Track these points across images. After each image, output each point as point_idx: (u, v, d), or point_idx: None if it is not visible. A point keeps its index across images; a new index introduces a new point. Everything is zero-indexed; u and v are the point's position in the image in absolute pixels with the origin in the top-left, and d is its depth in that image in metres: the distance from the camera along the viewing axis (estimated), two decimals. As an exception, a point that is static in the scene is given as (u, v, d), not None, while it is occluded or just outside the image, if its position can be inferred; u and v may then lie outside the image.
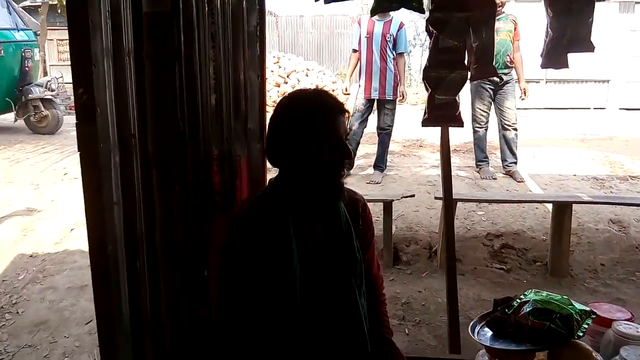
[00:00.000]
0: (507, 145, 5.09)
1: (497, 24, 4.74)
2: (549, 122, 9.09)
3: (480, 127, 5.11)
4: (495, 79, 4.83)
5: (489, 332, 1.41)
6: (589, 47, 1.33)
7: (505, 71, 4.84)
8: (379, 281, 1.54)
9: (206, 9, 1.52)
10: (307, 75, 10.86)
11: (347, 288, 1.33)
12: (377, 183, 4.93)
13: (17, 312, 3.15)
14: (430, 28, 1.38)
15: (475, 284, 3.24)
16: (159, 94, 1.55)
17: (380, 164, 5.14)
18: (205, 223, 1.65)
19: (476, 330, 1.44)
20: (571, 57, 1.43)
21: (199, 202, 1.64)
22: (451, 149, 6.57)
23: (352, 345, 1.34)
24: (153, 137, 1.57)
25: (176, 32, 1.52)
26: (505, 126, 5.03)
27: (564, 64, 1.40)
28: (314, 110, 1.26)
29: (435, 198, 3.58)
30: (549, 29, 1.37)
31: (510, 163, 5.11)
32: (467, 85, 5.20)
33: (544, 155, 6.31)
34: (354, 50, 5.19)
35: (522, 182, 4.92)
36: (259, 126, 1.62)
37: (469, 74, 1.47)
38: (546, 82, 11.24)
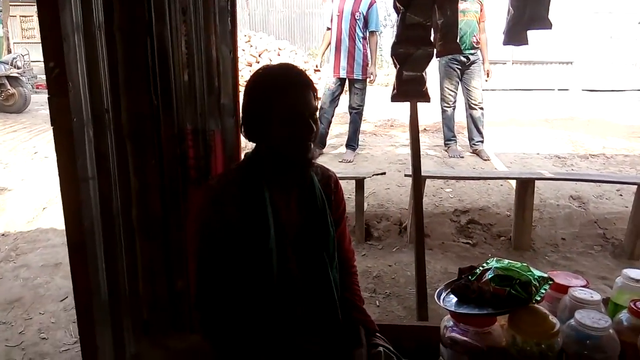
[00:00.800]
0: (474, 124, 5.22)
1: (464, 5, 4.82)
2: (514, 102, 9.31)
3: (449, 107, 5.21)
4: (462, 58, 4.94)
5: (453, 299, 1.48)
6: (547, 24, 1.39)
7: (472, 52, 4.95)
8: (350, 254, 1.59)
9: (177, -18, 1.52)
10: (279, 55, 10.81)
11: (319, 260, 1.38)
12: (349, 162, 4.99)
13: (-10, 291, 3.11)
14: (397, 4, 1.43)
15: (442, 258, 3.36)
16: (130, 68, 1.55)
17: (352, 143, 5.20)
18: (180, 197, 1.67)
19: (442, 297, 1.51)
20: (536, 38, 1.49)
21: (174, 176, 1.66)
22: (421, 129, 6.68)
23: (324, 313, 1.39)
24: (126, 111, 1.57)
25: (146, 5, 1.52)
26: (472, 105, 5.15)
27: (524, 41, 1.46)
28: (278, 84, 1.28)
29: (405, 175, 3.67)
30: (510, 7, 1.43)
31: (477, 142, 5.24)
32: (436, 65, 5.33)
33: (510, 135, 6.49)
34: (327, 29, 5.18)
35: (488, 160, 5.06)
36: (232, 101, 1.64)
37: (435, 50, 1.52)
38: (512, 63, 11.48)
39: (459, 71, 5.07)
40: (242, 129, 1.36)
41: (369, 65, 5.03)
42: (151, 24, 1.54)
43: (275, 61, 10.69)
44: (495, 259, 1.53)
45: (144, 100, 1.59)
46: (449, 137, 5.33)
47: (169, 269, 1.70)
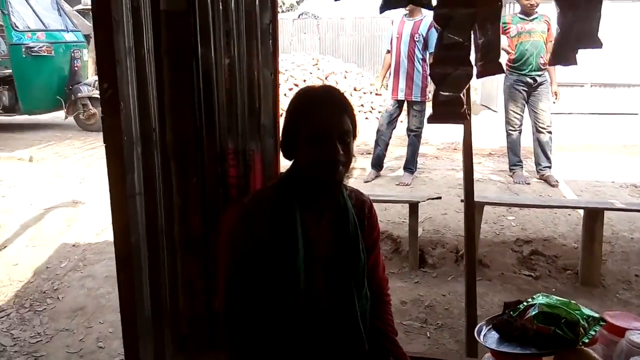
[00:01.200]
0: (541, 149, 4.96)
1: (531, 25, 4.64)
2: (590, 127, 8.77)
3: (514, 130, 5.00)
4: (529, 80, 4.74)
5: (495, 336, 1.40)
6: (597, 43, 1.30)
7: (539, 73, 4.74)
8: (384, 282, 1.54)
9: (220, 7, 1.57)
10: (345, 78, 10.92)
11: (346, 287, 1.34)
12: (406, 185, 4.91)
13: (58, 298, 3.31)
14: (435, 24, 1.39)
15: (501, 290, 3.18)
16: (176, 90, 1.61)
17: (410, 165, 5.11)
18: (221, 216, 1.70)
19: (482, 333, 1.43)
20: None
21: (215, 194, 1.69)
22: (485, 153, 6.53)
23: (350, 341, 1.35)
24: (171, 131, 1.63)
25: (193, 29, 1.58)
26: (540, 129, 4.91)
27: (572, 61, 1.37)
28: (310, 104, 1.29)
29: (462, 201, 3.53)
30: (557, 25, 1.35)
31: (544, 167, 4.98)
32: (501, 88, 5.15)
33: (582, 161, 6.11)
34: (387, 51, 5.18)
35: (556, 187, 4.78)
36: (272, 122, 1.66)
37: (475, 71, 1.46)
38: (591, 86, 10.86)
39: (525, 93, 4.87)
40: (280, 147, 1.37)
41: (428, 86, 4.96)
42: (197, 47, 1.60)
43: (342, 84, 10.82)
44: (542, 294, 1.43)
45: (188, 121, 1.64)
46: (514, 162, 5.11)
47: (208, 288, 1.72)
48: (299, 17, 17.21)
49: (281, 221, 1.30)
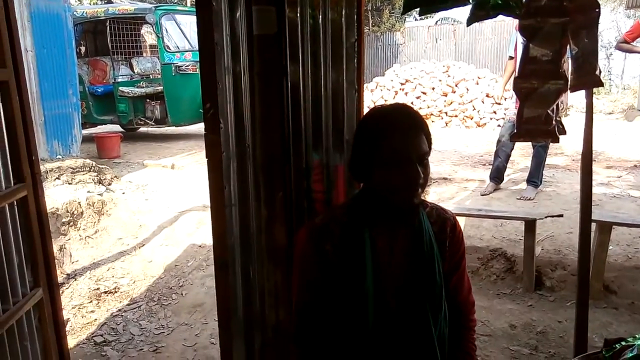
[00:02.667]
0: None
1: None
2: None
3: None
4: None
5: (588, 376, 1.26)
6: None
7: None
8: (469, 306, 1.45)
9: (309, 29, 1.63)
10: (477, 84, 10.50)
11: (421, 311, 1.29)
12: (529, 199, 4.56)
13: (181, 294, 3.66)
14: (522, 35, 1.28)
15: (629, 321, 2.81)
16: (266, 108, 1.71)
17: (533, 179, 4.74)
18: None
19: (574, 372, 1.29)
20: None
21: (300, 208, 1.76)
22: (630, 165, 5.78)
23: None
24: (261, 146, 1.73)
25: (284, 51, 1.66)
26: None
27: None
28: (385, 124, 1.23)
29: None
30: None
31: None
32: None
33: None
34: (510, 57, 4.88)
35: None
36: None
37: (568, 84, 1.31)
38: None
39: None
40: (349, 167, 1.35)
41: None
42: (286, 68, 1.68)
43: (472, 90, 10.40)
44: (648, 333, 1.25)
45: (276, 137, 1.73)
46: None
47: (290, 298, 1.78)
48: (436, 23, 16.95)
49: (350, 243, 1.28)
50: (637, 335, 1.26)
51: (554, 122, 1.39)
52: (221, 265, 1.80)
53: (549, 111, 1.36)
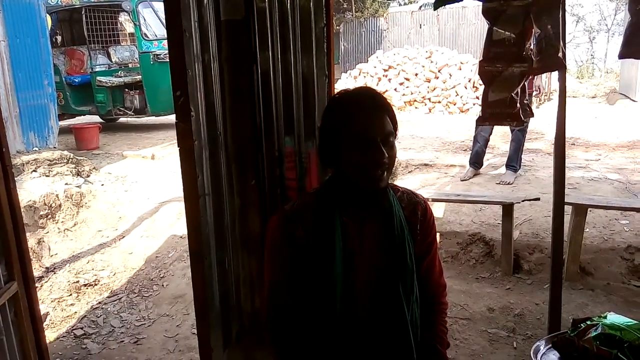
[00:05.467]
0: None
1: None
2: None
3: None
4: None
5: (555, 356, 1.28)
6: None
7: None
8: (440, 289, 1.45)
9: (277, 13, 1.61)
10: (460, 69, 10.54)
11: (393, 295, 1.29)
12: (508, 184, 4.60)
13: (162, 285, 3.64)
14: (485, 18, 1.27)
15: (605, 302, 2.87)
16: (236, 95, 1.69)
17: (512, 163, 4.78)
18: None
19: (540, 352, 1.31)
20: None
21: (273, 195, 1.75)
22: (610, 148, 5.86)
23: (397, 353, 1.30)
24: (232, 134, 1.71)
25: (252, 37, 1.64)
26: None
27: None
28: (349, 107, 1.23)
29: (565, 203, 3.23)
30: (629, 13, 1.16)
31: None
32: None
33: None
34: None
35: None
36: (327, 124, 1.67)
37: (530, 67, 1.31)
38: None
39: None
40: (317, 152, 1.35)
41: (536, 78, 4.58)
42: (256, 54, 1.66)
43: (455, 75, 10.43)
44: (611, 313, 1.28)
45: (247, 125, 1.71)
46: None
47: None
48: (419, 8, 16.90)
49: (320, 229, 1.28)
50: (602, 315, 1.28)
51: (518, 105, 1.39)
52: (196, 256, 1.78)
53: (513, 94, 1.35)
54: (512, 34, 1.25)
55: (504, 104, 1.34)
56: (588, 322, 1.24)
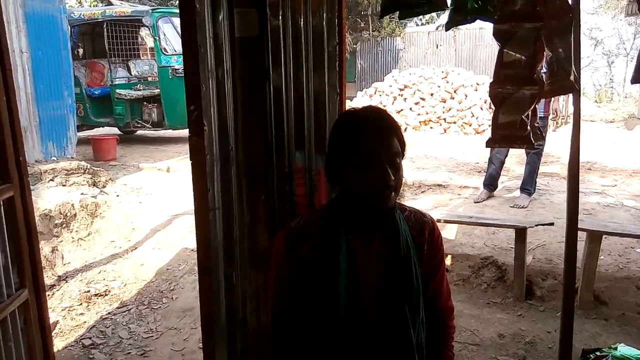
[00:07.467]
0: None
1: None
2: None
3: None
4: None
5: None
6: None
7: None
8: (447, 311, 1.43)
9: (290, 32, 1.63)
10: (476, 90, 10.53)
11: (399, 315, 1.27)
12: (522, 207, 4.54)
13: (172, 298, 3.64)
14: (496, 39, 1.27)
15: (619, 332, 2.79)
16: (249, 111, 1.70)
17: (527, 186, 4.73)
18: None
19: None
20: None
21: (282, 211, 1.75)
22: (627, 174, 5.77)
23: None
24: (243, 150, 1.73)
25: (266, 54, 1.66)
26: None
27: None
28: (356, 127, 1.23)
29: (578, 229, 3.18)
30: None
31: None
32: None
33: None
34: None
35: None
36: (337, 142, 1.67)
37: (542, 90, 1.30)
38: None
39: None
40: (324, 170, 1.35)
41: (552, 101, 4.55)
42: (269, 71, 1.68)
43: (471, 96, 10.41)
44: (622, 344, 1.24)
45: (259, 141, 1.72)
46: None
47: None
48: (436, 29, 17.01)
49: (325, 246, 1.27)
50: (612, 346, 1.25)
51: (528, 128, 1.38)
52: (205, 270, 1.79)
53: (523, 117, 1.34)
54: (522, 56, 1.25)
55: (514, 126, 1.34)
56: (598, 353, 1.21)
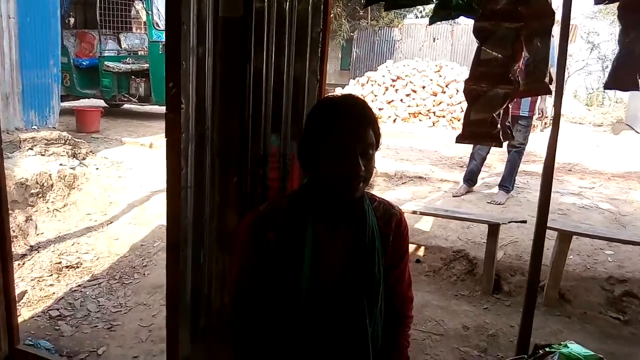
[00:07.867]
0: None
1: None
2: None
3: None
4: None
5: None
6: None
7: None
8: (406, 302, 1.45)
9: (275, 15, 1.62)
10: (467, 85, 10.55)
11: (356, 305, 1.29)
12: (498, 204, 4.60)
13: (144, 274, 3.64)
14: (475, 37, 1.28)
15: (579, 330, 2.87)
16: (227, 92, 1.69)
17: (505, 183, 4.79)
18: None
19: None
20: None
21: (253, 194, 1.75)
22: (605, 177, 5.86)
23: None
24: (219, 130, 1.72)
25: (249, 36, 1.65)
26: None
27: (632, 86, 1.18)
28: (331, 115, 1.23)
29: (548, 228, 3.24)
30: (618, 45, 1.17)
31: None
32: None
33: None
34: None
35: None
36: (314, 127, 1.68)
37: (516, 90, 1.31)
38: None
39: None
40: (297, 156, 1.35)
41: (539, 101, 4.59)
42: (250, 52, 1.67)
43: (462, 92, 10.41)
44: (573, 342, 1.28)
45: (235, 122, 1.72)
46: None
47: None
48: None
49: (291, 232, 1.28)
50: (562, 343, 1.28)
51: (498, 126, 1.39)
52: (173, 246, 1.79)
53: (494, 115, 1.36)
54: (499, 55, 1.26)
55: (484, 124, 1.35)
56: (547, 349, 1.24)
